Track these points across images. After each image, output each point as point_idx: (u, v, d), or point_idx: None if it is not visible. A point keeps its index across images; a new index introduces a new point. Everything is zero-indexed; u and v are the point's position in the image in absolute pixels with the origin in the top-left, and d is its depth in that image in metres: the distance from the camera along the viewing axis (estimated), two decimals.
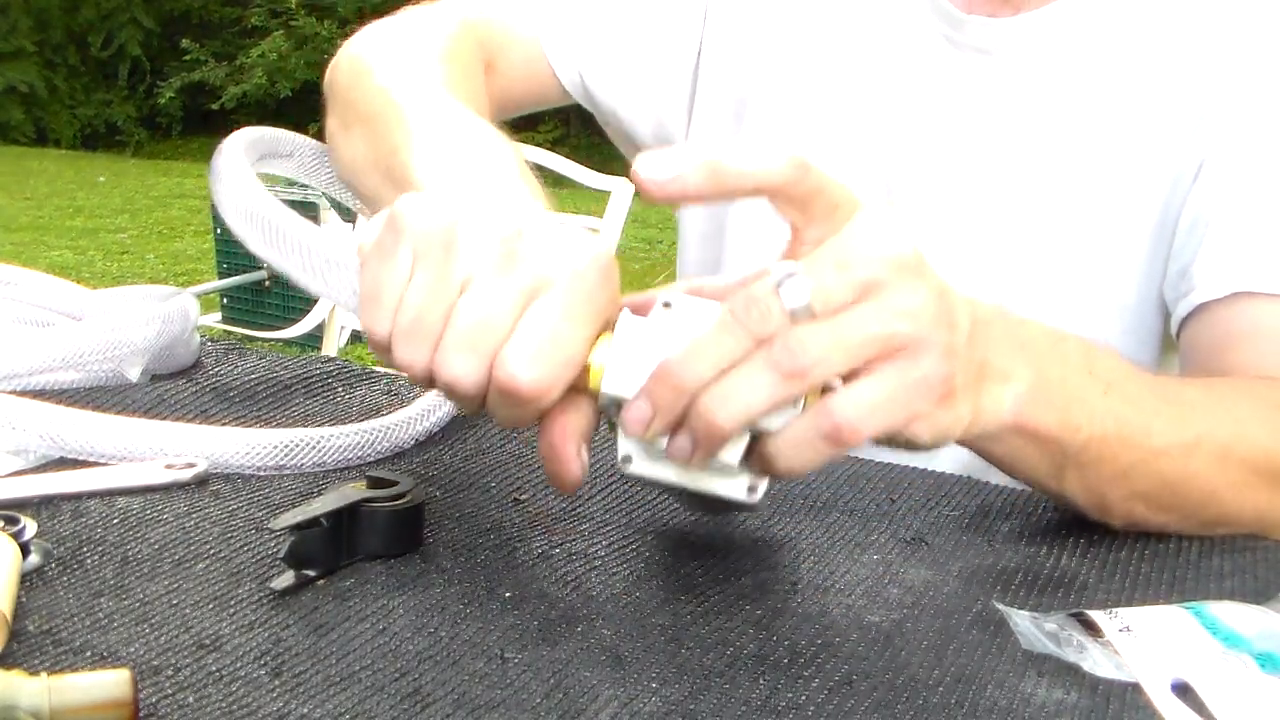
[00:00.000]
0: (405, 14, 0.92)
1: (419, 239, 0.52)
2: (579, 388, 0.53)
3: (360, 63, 0.85)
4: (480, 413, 0.55)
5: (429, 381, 0.53)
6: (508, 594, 0.55)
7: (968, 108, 0.89)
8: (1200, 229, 0.83)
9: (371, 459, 0.71)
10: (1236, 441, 0.66)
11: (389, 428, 0.71)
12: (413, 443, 0.73)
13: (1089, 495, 0.64)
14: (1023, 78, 0.87)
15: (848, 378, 0.51)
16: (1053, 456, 0.62)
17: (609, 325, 0.53)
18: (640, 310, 0.53)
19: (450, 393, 0.53)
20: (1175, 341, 0.86)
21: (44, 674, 0.41)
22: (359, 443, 0.70)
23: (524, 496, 0.66)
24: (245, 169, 0.72)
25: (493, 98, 0.93)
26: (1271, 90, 0.83)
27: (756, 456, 0.53)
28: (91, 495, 0.63)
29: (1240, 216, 0.81)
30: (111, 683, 0.42)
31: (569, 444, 0.54)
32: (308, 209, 3.19)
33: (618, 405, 0.52)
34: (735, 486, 0.55)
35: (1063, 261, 0.87)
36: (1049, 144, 0.87)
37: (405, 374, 0.54)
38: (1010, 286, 0.88)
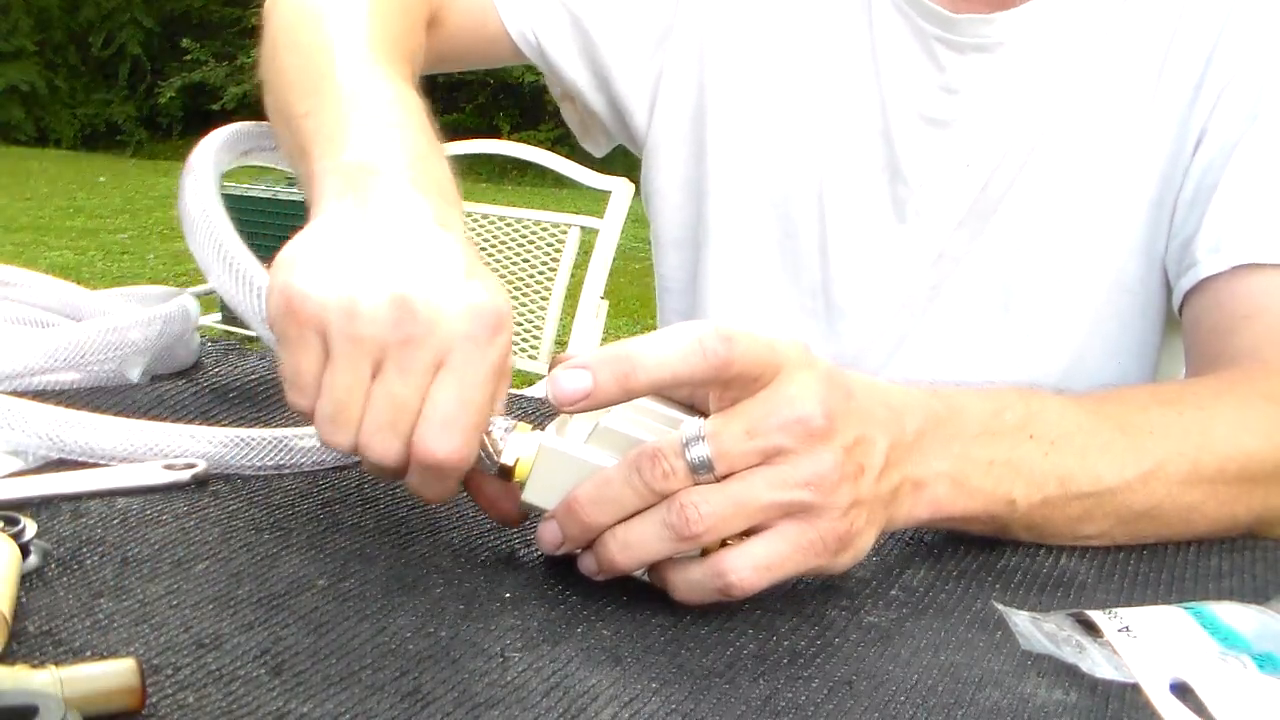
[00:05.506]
0: None
1: (324, 328, 0.53)
2: (504, 476, 0.56)
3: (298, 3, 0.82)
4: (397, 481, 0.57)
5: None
6: (508, 594, 0.55)
7: (972, 105, 0.88)
8: (1202, 201, 0.82)
9: None
10: (1207, 455, 0.65)
11: None
12: None
13: (1049, 540, 0.65)
14: (1024, 70, 0.87)
15: (748, 530, 0.53)
16: (990, 526, 0.63)
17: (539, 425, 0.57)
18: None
19: (374, 470, 0.56)
20: (1178, 318, 0.85)
21: (51, 665, 0.41)
22: None
23: None
24: (212, 199, 0.68)
25: (434, 51, 0.91)
26: (1272, 60, 0.82)
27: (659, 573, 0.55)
28: (91, 496, 0.63)
29: (1242, 187, 0.81)
30: (119, 671, 0.42)
31: (499, 504, 0.59)
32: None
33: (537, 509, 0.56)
34: None
35: (1067, 245, 0.87)
36: (1054, 131, 0.87)
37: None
38: (1019, 280, 0.88)
